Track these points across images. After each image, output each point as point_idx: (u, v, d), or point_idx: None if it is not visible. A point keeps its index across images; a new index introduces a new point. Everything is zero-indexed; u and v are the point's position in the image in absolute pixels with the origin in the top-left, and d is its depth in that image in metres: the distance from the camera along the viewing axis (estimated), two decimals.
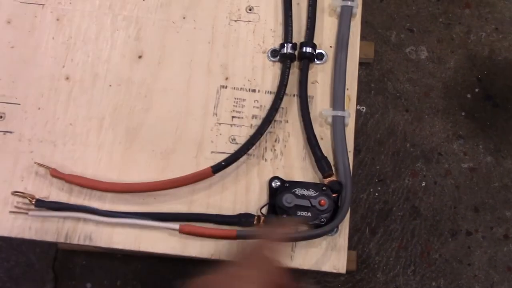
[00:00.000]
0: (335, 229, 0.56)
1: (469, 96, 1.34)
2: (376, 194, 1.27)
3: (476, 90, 1.34)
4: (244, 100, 0.62)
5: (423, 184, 1.28)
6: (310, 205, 0.55)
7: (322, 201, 0.54)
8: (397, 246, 1.24)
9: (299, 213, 0.54)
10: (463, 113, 1.32)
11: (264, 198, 0.58)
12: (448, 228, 1.25)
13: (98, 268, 1.21)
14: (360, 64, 1.32)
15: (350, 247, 1.22)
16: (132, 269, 1.20)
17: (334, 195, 0.56)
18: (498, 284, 1.21)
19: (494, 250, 1.23)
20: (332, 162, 0.59)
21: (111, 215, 0.54)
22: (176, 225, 0.54)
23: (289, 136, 0.61)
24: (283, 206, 0.55)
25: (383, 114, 1.32)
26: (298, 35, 0.63)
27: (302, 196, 0.55)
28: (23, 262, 1.22)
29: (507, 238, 1.24)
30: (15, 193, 0.58)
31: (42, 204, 0.57)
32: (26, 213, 0.57)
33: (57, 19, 0.65)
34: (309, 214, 0.55)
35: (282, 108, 0.61)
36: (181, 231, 0.54)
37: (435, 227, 1.25)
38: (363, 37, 1.35)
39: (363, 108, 1.32)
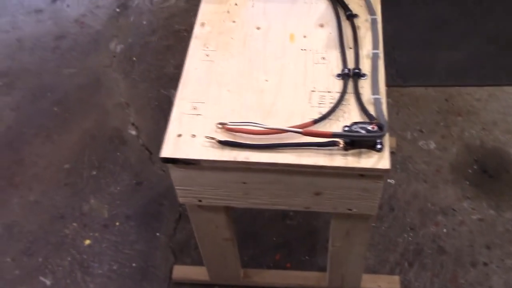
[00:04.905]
0: (382, 147, 1.04)
1: (470, 171, 1.82)
2: (410, 238, 1.68)
3: (475, 167, 1.83)
4: (324, 97, 1.15)
5: (444, 230, 1.69)
6: (367, 130, 1.04)
7: (373, 126, 1.04)
8: (430, 275, 1.60)
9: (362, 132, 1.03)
10: (467, 182, 1.79)
11: None
12: (468, 261, 1.62)
13: None
14: None
15: (393, 274, 1.60)
16: None
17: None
18: None
19: (507, 275, 1.59)
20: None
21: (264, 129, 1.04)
22: (300, 129, 1.03)
23: (351, 111, 1.12)
24: (352, 131, 1.04)
25: (408, 185, 1.80)
26: (350, 64, 1.20)
27: (362, 127, 1.05)
28: None
29: None
30: (206, 137, 1.08)
31: (223, 143, 1.07)
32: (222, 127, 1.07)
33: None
34: (367, 134, 1.03)
35: (346, 98, 1.14)
36: (304, 133, 1.02)
37: (458, 260, 1.63)
38: None
39: (392, 181, 1.80)
